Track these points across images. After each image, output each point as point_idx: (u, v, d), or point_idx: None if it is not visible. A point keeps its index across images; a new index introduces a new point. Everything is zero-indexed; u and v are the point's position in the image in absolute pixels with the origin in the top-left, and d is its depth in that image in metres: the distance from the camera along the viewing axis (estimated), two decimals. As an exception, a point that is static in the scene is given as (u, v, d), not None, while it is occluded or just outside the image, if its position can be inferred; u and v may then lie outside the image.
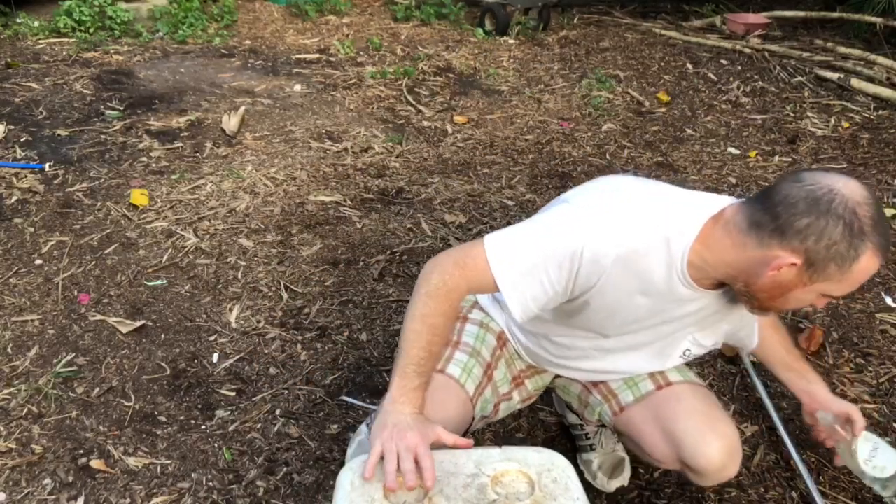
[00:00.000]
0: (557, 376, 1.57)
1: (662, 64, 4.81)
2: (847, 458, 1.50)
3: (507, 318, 1.51)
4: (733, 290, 1.21)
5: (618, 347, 1.38)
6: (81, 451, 1.78)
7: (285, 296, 2.38)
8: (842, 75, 4.36)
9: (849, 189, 1.06)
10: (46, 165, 3.12)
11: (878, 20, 5.01)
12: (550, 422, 1.92)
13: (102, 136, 3.44)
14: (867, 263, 1.07)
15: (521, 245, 1.20)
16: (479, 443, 1.82)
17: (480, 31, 5.45)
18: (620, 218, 1.19)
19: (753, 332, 1.46)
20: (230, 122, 3.61)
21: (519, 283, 1.20)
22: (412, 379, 1.19)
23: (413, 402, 1.18)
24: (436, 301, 1.21)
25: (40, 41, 4.74)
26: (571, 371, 1.50)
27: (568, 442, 1.86)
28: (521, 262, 1.19)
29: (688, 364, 1.48)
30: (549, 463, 1.16)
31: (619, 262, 1.18)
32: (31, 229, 2.69)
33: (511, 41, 5.30)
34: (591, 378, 1.51)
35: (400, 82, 4.30)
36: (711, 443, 1.30)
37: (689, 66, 4.75)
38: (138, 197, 2.88)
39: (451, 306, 1.23)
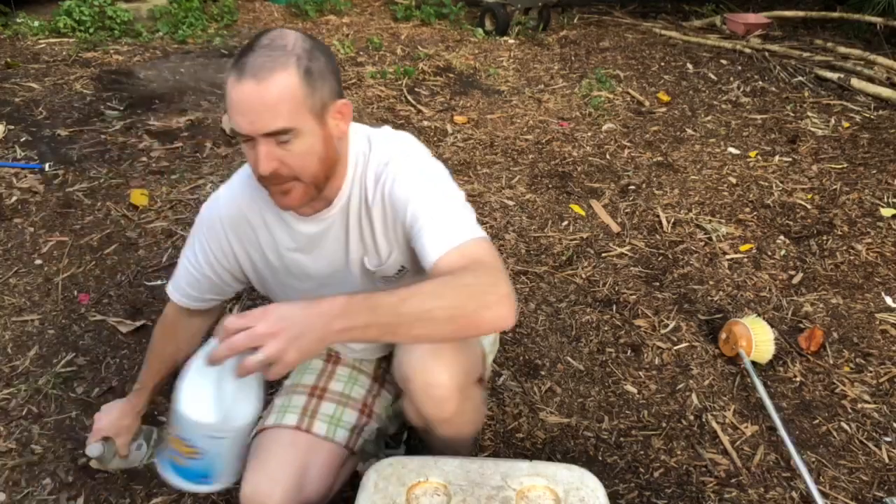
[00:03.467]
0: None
1: (662, 64, 4.81)
2: None
3: None
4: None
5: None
6: (81, 451, 1.78)
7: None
8: (842, 75, 4.35)
9: None
10: (46, 165, 3.12)
11: (878, 20, 5.00)
12: (551, 422, 1.92)
13: (102, 136, 3.44)
14: (228, 82, 1.08)
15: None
16: (479, 441, 1.82)
17: (480, 31, 5.44)
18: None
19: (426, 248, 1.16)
20: (230, 122, 3.60)
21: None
22: None
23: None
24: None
25: (40, 41, 4.74)
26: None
27: (568, 443, 1.86)
28: None
29: None
30: (578, 481, 1.14)
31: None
32: (31, 229, 2.69)
33: (511, 41, 5.29)
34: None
35: (400, 82, 4.30)
36: (412, 349, 1.20)
37: (689, 66, 4.75)
38: (138, 197, 2.88)
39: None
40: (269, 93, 1.05)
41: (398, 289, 1.01)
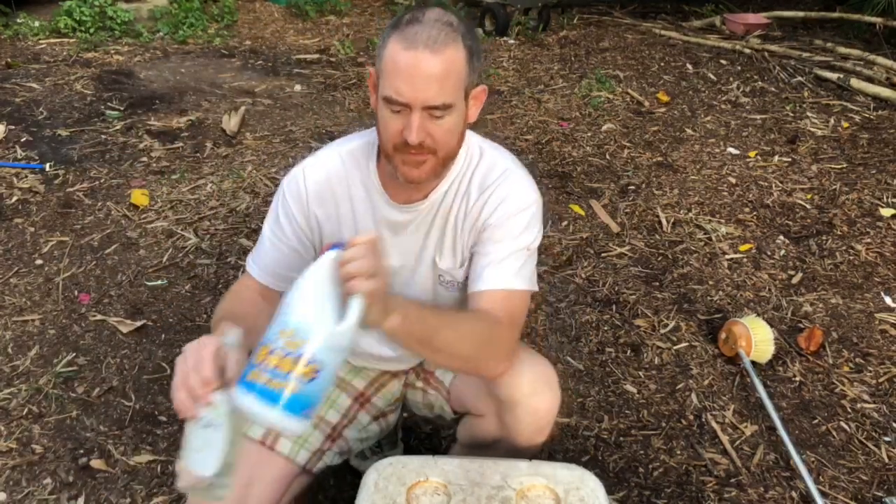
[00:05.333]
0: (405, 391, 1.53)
1: (662, 64, 4.81)
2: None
3: None
4: None
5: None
6: (82, 451, 1.78)
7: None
8: (841, 75, 4.36)
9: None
10: (47, 165, 3.12)
11: (877, 20, 5.01)
12: (550, 421, 1.93)
13: (103, 137, 3.44)
14: (391, 49, 1.08)
15: None
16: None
17: (480, 31, 5.45)
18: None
19: (478, 277, 1.23)
20: (230, 122, 3.61)
21: None
22: None
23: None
24: None
25: (41, 41, 4.74)
26: (390, 357, 1.45)
27: (568, 443, 1.87)
28: None
29: None
30: (578, 481, 1.14)
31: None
32: (32, 229, 2.69)
33: (511, 41, 5.30)
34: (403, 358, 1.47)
35: (400, 82, 4.30)
36: (520, 372, 1.23)
37: (688, 66, 4.75)
38: (139, 197, 2.88)
39: None
40: (442, 66, 1.06)
41: (442, 312, 1.15)
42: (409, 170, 1.15)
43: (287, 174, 1.33)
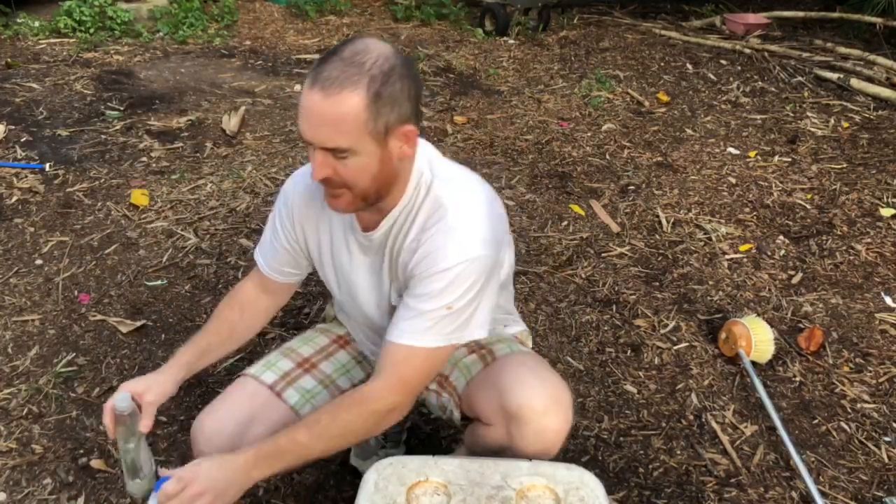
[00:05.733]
0: None
1: (662, 64, 4.81)
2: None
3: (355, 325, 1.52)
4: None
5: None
6: (82, 451, 1.78)
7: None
8: (841, 75, 4.36)
9: None
10: (47, 165, 3.12)
11: (877, 20, 5.01)
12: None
13: (103, 137, 3.44)
14: (303, 89, 1.08)
15: None
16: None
17: (480, 31, 5.45)
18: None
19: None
20: (230, 122, 3.61)
21: None
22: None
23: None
24: None
25: (41, 41, 4.74)
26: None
27: (568, 442, 1.86)
28: None
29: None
30: (578, 481, 1.14)
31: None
32: (32, 229, 2.69)
33: (511, 41, 5.30)
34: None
35: (400, 82, 4.30)
36: (534, 387, 1.24)
37: (688, 66, 4.75)
38: (138, 197, 2.88)
39: None
40: (332, 110, 1.04)
41: (299, 429, 1.18)
42: (329, 200, 1.18)
43: (289, 178, 1.40)
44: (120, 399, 1.24)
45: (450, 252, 1.15)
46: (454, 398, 1.44)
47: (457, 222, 1.17)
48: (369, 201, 1.18)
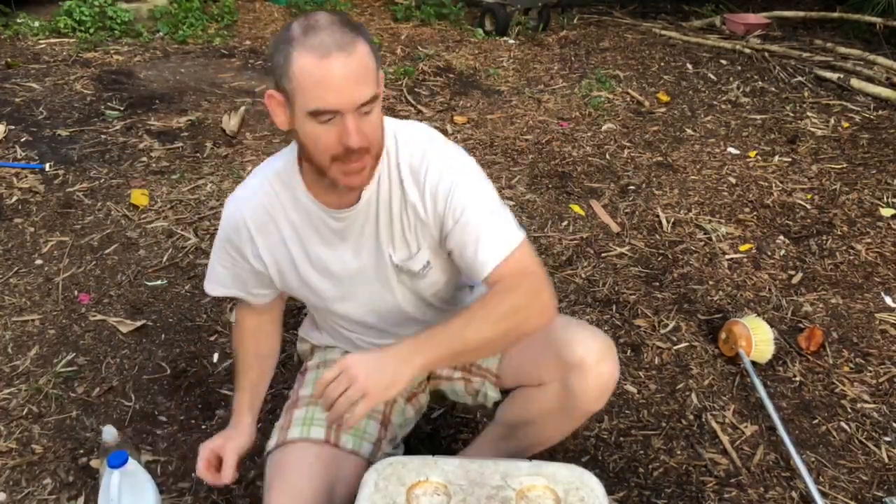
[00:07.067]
0: (434, 384, 1.57)
1: (662, 64, 4.81)
2: None
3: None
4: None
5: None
6: (82, 451, 1.78)
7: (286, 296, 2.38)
8: (841, 75, 4.36)
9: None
10: (47, 165, 3.12)
11: (877, 20, 5.00)
12: (550, 422, 1.92)
13: (103, 136, 3.44)
14: (301, 63, 1.07)
15: None
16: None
17: (480, 31, 5.45)
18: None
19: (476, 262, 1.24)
20: (230, 122, 3.61)
21: None
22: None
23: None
24: None
25: (41, 41, 4.74)
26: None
27: (568, 442, 1.86)
28: None
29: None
30: (578, 481, 1.14)
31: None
32: (32, 229, 2.69)
33: (511, 41, 5.30)
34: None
35: (400, 82, 4.30)
36: (588, 338, 1.30)
37: (688, 66, 4.75)
38: (138, 197, 2.88)
39: None
40: (359, 63, 1.08)
41: (454, 318, 1.14)
42: (351, 178, 1.16)
43: (225, 207, 1.35)
44: (105, 432, 1.40)
45: (453, 163, 1.24)
46: (489, 378, 1.45)
47: (436, 148, 1.25)
48: (377, 161, 1.20)
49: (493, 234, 1.21)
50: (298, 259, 1.33)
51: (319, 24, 1.08)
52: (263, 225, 1.31)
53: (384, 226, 1.28)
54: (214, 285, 1.43)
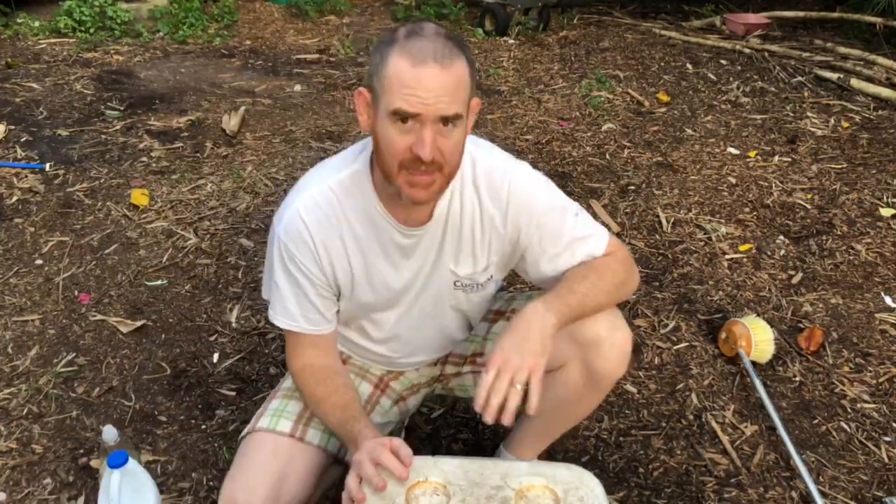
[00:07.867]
0: (439, 381, 1.58)
1: (662, 64, 4.81)
2: None
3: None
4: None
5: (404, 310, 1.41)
6: (82, 451, 1.78)
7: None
8: (841, 75, 4.35)
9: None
10: (47, 165, 3.13)
11: (877, 20, 5.00)
12: (550, 421, 1.92)
13: (103, 136, 3.44)
14: (396, 65, 1.07)
15: None
16: (476, 440, 1.82)
17: (480, 31, 5.45)
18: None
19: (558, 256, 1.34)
20: (230, 122, 3.61)
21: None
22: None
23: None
24: None
25: (41, 41, 4.74)
26: (417, 361, 1.54)
27: (568, 443, 1.87)
28: None
29: None
30: (577, 481, 1.14)
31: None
32: (32, 229, 2.69)
33: (511, 41, 5.30)
34: (434, 355, 1.54)
35: (400, 82, 4.30)
36: (599, 315, 1.34)
37: (688, 66, 4.75)
38: (139, 197, 2.88)
39: None
40: (452, 78, 1.07)
41: (576, 283, 1.26)
42: (416, 191, 1.14)
43: (280, 219, 1.27)
44: (105, 432, 1.42)
45: (533, 179, 1.34)
46: None
47: (515, 166, 1.33)
48: (448, 183, 1.20)
49: (588, 231, 1.34)
50: (357, 273, 1.30)
51: (424, 33, 1.09)
52: (326, 236, 1.26)
53: (450, 242, 1.29)
54: (298, 323, 1.31)
